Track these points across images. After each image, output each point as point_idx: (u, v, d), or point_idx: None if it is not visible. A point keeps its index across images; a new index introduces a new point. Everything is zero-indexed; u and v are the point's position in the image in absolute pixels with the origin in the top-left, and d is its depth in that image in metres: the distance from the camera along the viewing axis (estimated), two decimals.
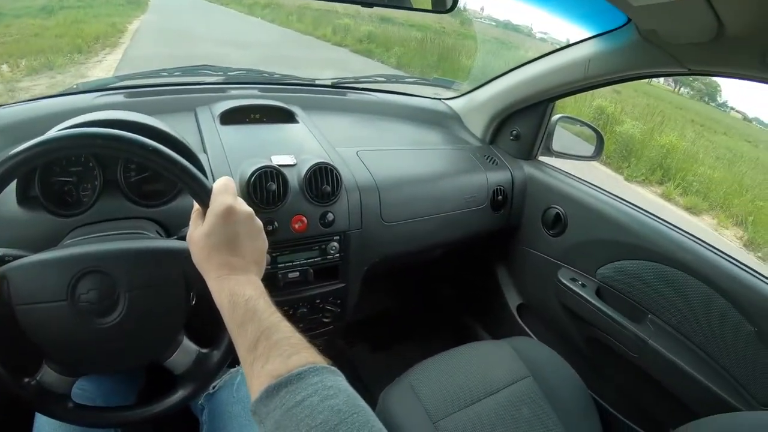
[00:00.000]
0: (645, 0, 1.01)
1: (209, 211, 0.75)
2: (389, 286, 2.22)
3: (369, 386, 1.83)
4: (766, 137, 10.20)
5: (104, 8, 12.33)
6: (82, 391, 1.07)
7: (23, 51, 7.17)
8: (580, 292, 1.53)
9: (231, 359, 0.92)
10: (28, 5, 10.99)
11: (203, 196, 0.78)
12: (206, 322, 0.95)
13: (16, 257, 0.83)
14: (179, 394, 0.92)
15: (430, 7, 1.37)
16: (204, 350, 0.92)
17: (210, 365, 0.91)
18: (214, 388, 1.13)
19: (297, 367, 0.58)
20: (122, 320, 0.82)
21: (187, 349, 0.91)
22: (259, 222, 0.79)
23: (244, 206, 0.77)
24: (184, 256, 0.82)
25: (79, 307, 0.80)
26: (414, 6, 1.40)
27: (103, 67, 7.01)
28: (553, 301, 1.67)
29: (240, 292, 0.69)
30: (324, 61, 9.59)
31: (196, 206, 0.80)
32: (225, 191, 0.77)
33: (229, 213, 0.74)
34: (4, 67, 6.41)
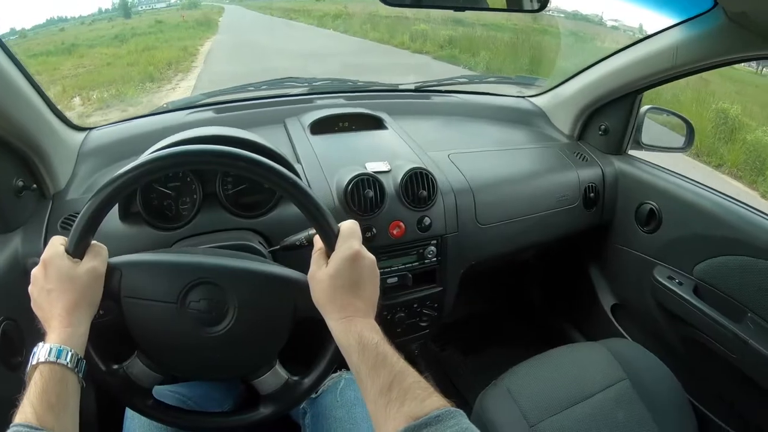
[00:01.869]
0: None
1: (337, 254, 0.78)
2: (481, 289, 2.19)
3: (461, 390, 1.84)
4: None
5: (175, 32, 12.61)
6: (172, 391, 1.12)
7: (95, 82, 7.32)
8: (678, 291, 1.46)
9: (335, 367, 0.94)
10: (102, 35, 11.44)
11: (331, 237, 0.81)
12: (299, 352, 1.00)
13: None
14: (260, 412, 0.94)
15: (520, 7, 1.37)
16: (294, 378, 0.93)
17: (296, 392, 0.93)
18: (317, 392, 1.14)
19: (434, 409, 0.62)
20: (226, 334, 0.85)
21: (278, 373, 0.92)
22: (377, 270, 0.82)
23: (368, 253, 0.81)
24: (300, 288, 0.85)
25: (187, 312, 0.83)
26: (503, 7, 1.40)
27: (177, 94, 7.04)
28: (649, 301, 1.61)
29: (368, 336, 0.73)
30: (407, 69, 9.32)
31: (319, 245, 0.83)
32: (352, 235, 0.81)
33: (356, 257, 0.78)
34: (76, 100, 6.53)
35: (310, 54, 9.30)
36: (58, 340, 0.71)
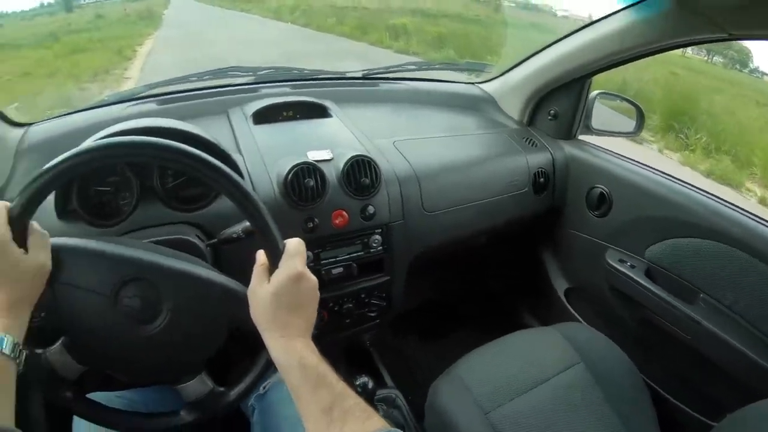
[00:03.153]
0: None
1: (280, 272, 0.78)
2: (435, 277, 2.19)
3: (418, 378, 1.83)
4: None
5: (114, 29, 11.41)
6: (121, 398, 1.09)
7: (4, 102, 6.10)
8: (630, 274, 1.48)
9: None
10: (36, 32, 10.14)
11: (276, 254, 0.79)
12: (227, 362, 0.97)
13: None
14: (180, 417, 0.92)
15: None
16: (220, 388, 0.92)
17: (222, 402, 0.92)
18: (264, 388, 1.14)
19: (374, 430, 0.66)
20: (155, 335, 0.82)
21: (204, 381, 0.91)
22: (318, 293, 0.82)
23: (311, 275, 0.81)
24: (237, 299, 0.83)
25: (119, 307, 0.81)
26: None
27: None
28: (602, 284, 1.62)
29: (309, 356, 0.74)
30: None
31: (261, 261, 0.81)
32: (296, 254, 0.80)
33: (299, 278, 0.78)
34: None
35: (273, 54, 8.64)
36: None
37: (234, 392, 0.91)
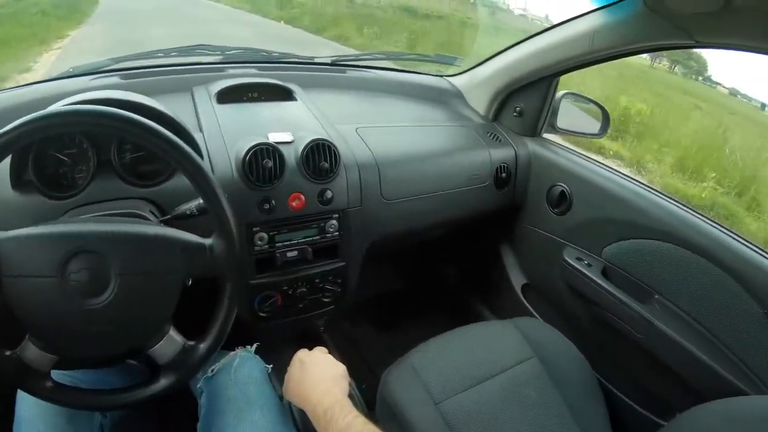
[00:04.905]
0: None
1: None
2: (393, 267, 2.20)
3: (373, 367, 1.82)
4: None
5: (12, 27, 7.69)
6: (71, 377, 1.10)
7: None
8: (586, 272, 1.50)
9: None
10: None
11: (225, 230, 0.87)
12: (193, 315, 0.96)
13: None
14: (161, 384, 0.92)
15: None
16: (190, 342, 0.92)
17: (195, 357, 0.92)
18: (212, 371, 1.13)
19: None
20: (110, 303, 0.82)
21: (173, 339, 0.91)
22: None
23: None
24: (188, 248, 0.85)
25: (68, 285, 0.80)
26: None
27: None
28: (559, 281, 1.65)
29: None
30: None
31: None
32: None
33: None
34: None
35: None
36: None
37: (204, 344, 0.92)
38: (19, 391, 1.00)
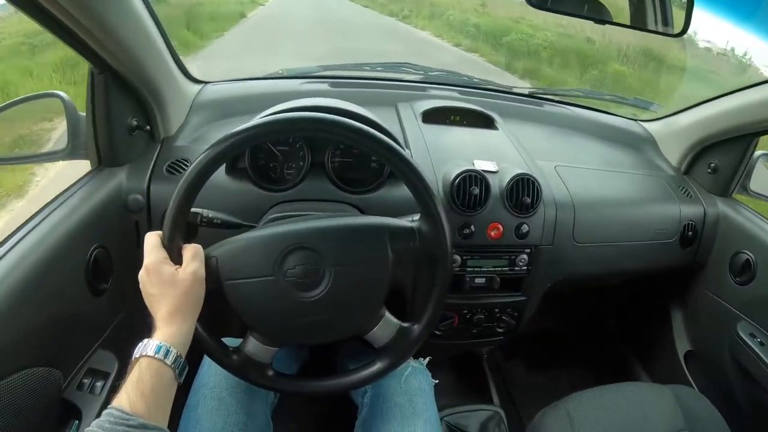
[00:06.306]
0: None
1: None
2: (558, 306, 2.14)
3: (517, 402, 1.82)
4: None
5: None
6: None
7: None
8: (758, 351, 1.39)
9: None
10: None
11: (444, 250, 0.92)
12: (407, 298, 0.99)
13: (223, 221, 0.95)
14: (377, 367, 0.96)
15: (656, 29, 1.32)
16: (405, 324, 0.95)
17: (410, 339, 0.95)
18: None
19: None
20: (327, 294, 0.87)
21: (389, 321, 0.94)
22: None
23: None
24: (392, 231, 0.89)
25: (285, 281, 0.86)
26: (642, 27, 1.36)
27: None
28: (725, 354, 1.54)
29: None
30: None
31: None
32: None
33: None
34: None
35: None
36: (160, 337, 0.77)
37: (418, 326, 0.95)
38: (205, 357, 1.06)
